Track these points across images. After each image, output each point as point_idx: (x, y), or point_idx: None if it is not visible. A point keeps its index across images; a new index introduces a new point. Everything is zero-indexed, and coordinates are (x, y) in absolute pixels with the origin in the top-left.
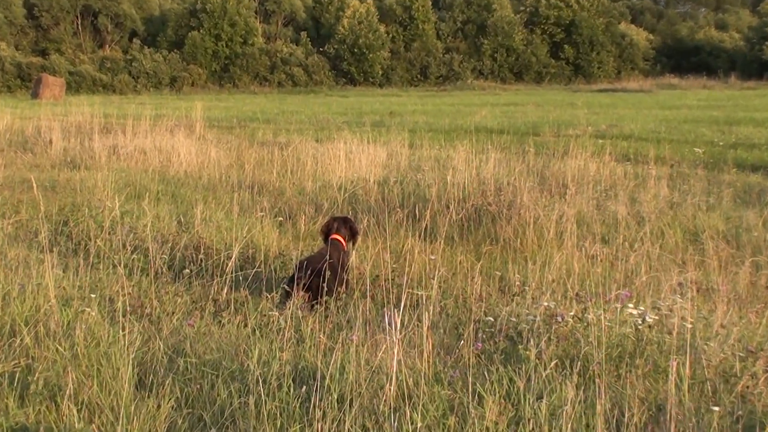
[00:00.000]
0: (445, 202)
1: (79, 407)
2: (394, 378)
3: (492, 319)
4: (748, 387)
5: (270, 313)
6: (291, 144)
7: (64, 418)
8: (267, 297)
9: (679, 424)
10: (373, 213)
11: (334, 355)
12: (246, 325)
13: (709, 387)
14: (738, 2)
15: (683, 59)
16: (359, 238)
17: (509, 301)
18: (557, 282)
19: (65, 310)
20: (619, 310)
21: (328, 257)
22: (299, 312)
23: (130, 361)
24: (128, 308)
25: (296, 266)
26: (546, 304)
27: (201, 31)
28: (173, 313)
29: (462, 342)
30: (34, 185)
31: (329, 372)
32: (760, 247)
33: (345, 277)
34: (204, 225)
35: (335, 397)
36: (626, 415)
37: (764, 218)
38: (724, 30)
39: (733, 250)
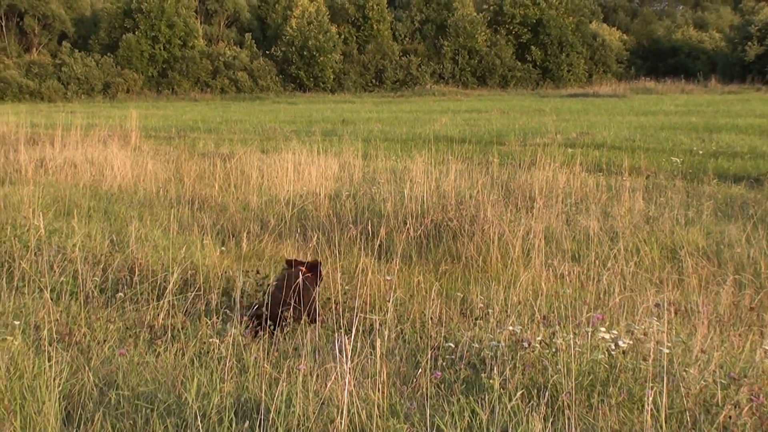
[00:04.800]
0: (402, 218)
1: None
2: (345, 411)
3: (452, 345)
4: (730, 417)
5: (210, 340)
6: (235, 155)
7: None
8: (207, 323)
9: None
10: (323, 230)
11: (279, 386)
12: (184, 354)
13: (689, 418)
14: None
15: (660, 61)
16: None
17: (471, 326)
18: (523, 304)
19: None
20: (590, 334)
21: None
22: (242, 339)
23: (57, 395)
24: (55, 336)
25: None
26: (511, 328)
27: (136, 33)
28: (105, 341)
29: (420, 370)
30: None
31: (274, 405)
32: (743, 264)
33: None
34: (139, 244)
35: None
36: None
37: (747, 233)
38: (703, 29)
39: (714, 268)
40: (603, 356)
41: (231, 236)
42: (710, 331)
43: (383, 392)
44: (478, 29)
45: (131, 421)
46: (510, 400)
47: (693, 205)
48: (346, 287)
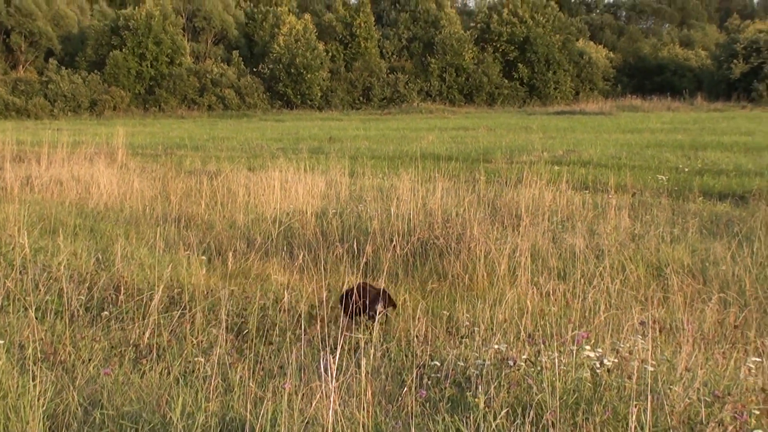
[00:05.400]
0: (389, 236)
1: None
2: (330, 430)
3: (438, 364)
4: None
5: (196, 359)
6: (221, 173)
7: None
8: (192, 341)
9: None
10: (310, 248)
11: (264, 405)
12: (169, 373)
13: None
14: (704, 17)
15: (646, 79)
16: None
17: (457, 344)
18: (509, 322)
19: None
20: (575, 352)
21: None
22: (227, 357)
23: (41, 414)
24: (40, 355)
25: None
26: (496, 346)
27: (123, 50)
28: (89, 360)
29: (405, 389)
30: None
31: (259, 424)
32: (728, 282)
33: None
34: (125, 263)
35: None
36: None
37: (732, 251)
38: (689, 47)
39: (699, 286)
40: (588, 374)
41: (217, 254)
42: (695, 349)
43: (368, 411)
44: (465, 47)
45: None
46: (495, 418)
47: (678, 222)
48: (332, 305)
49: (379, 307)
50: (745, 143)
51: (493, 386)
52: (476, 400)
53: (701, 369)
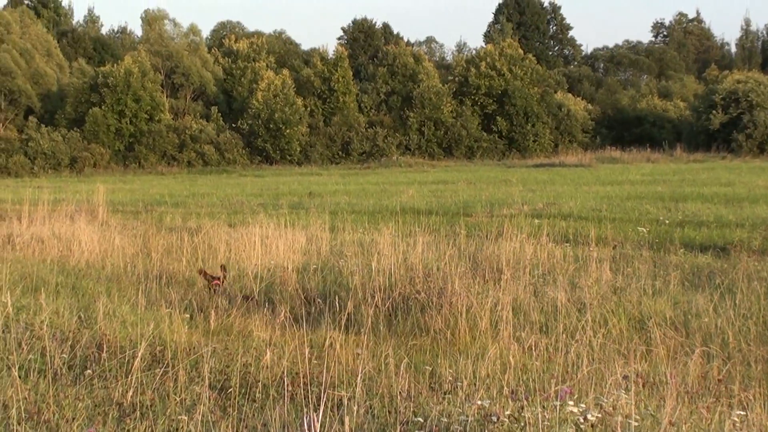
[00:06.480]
0: (370, 291)
1: None
2: None
3: (421, 420)
4: None
5: (179, 417)
6: (202, 229)
7: None
8: (176, 399)
9: None
10: (291, 303)
11: None
12: None
13: None
14: (682, 68)
15: (625, 130)
16: None
17: (440, 400)
18: (492, 377)
19: None
20: (558, 407)
21: None
22: (210, 416)
23: None
24: (24, 415)
25: None
26: (480, 402)
27: (103, 107)
28: (73, 419)
29: None
30: None
31: None
32: (710, 335)
33: None
34: (107, 320)
35: None
36: None
37: (715, 303)
38: (668, 98)
39: (681, 338)
40: (571, 430)
41: (199, 311)
42: (679, 403)
43: None
44: (443, 100)
45: None
46: None
47: (660, 274)
48: (315, 361)
49: None
50: (726, 194)
51: None
52: None
53: (685, 423)
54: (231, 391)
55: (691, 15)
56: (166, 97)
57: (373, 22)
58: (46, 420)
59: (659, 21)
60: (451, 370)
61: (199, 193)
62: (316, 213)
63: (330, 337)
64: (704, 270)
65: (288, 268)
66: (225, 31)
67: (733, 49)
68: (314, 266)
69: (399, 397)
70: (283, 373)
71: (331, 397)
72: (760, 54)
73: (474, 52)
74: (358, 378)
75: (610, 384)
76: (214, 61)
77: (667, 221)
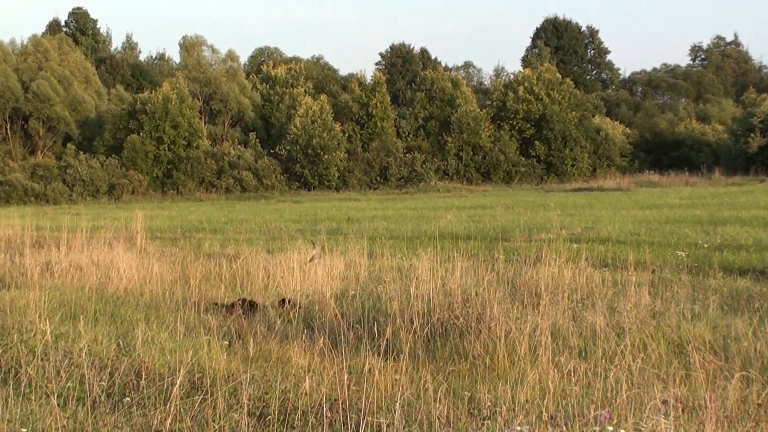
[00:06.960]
0: (409, 317)
1: None
2: None
3: None
4: None
5: None
6: (240, 256)
7: None
8: (214, 427)
9: None
10: (329, 329)
11: None
12: None
13: None
14: (720, 92)
15: (663, 154)
16: None
17: (479, 426)
18: (531, 403)
19: None
20: None
21: None
22: None
23: None
24: None
25: None
26: (519, 428)
27: (141, 133)
28: None
29: None
30: None
31: None
32: (750, 359)
33: None
34: (146, 347)
35: None
36: None
37: (754, 327)
38: (706, 122)
39: (721, 363)
40: None
41: (238, 338)
42: (718, 428)
43: None
44: (481, 125)
45: None
46: None
47: (699, 299)
48: (353, 387)
49: None
50: (764, 218)
51: None
52: None
53: None
54: (270, 418)
55: (729, 38)
56: (204, 123)
57: (411, 47)
58: None
59: (697, 44)
60: (489, 396)
61: (237, 219)
62: (354, 238)
63: (369, 363)
64: (743, 294)
65: (326, 294)
66: (263, 57)
67: None
68: (353, 292)
69: (438, 423)
70: (322, 399)
71: (370, 424)
72: None
73: (512, 76)
74: (397, 404)
75: (650, 409)
76: (252, 87)
77: (705, 245)
